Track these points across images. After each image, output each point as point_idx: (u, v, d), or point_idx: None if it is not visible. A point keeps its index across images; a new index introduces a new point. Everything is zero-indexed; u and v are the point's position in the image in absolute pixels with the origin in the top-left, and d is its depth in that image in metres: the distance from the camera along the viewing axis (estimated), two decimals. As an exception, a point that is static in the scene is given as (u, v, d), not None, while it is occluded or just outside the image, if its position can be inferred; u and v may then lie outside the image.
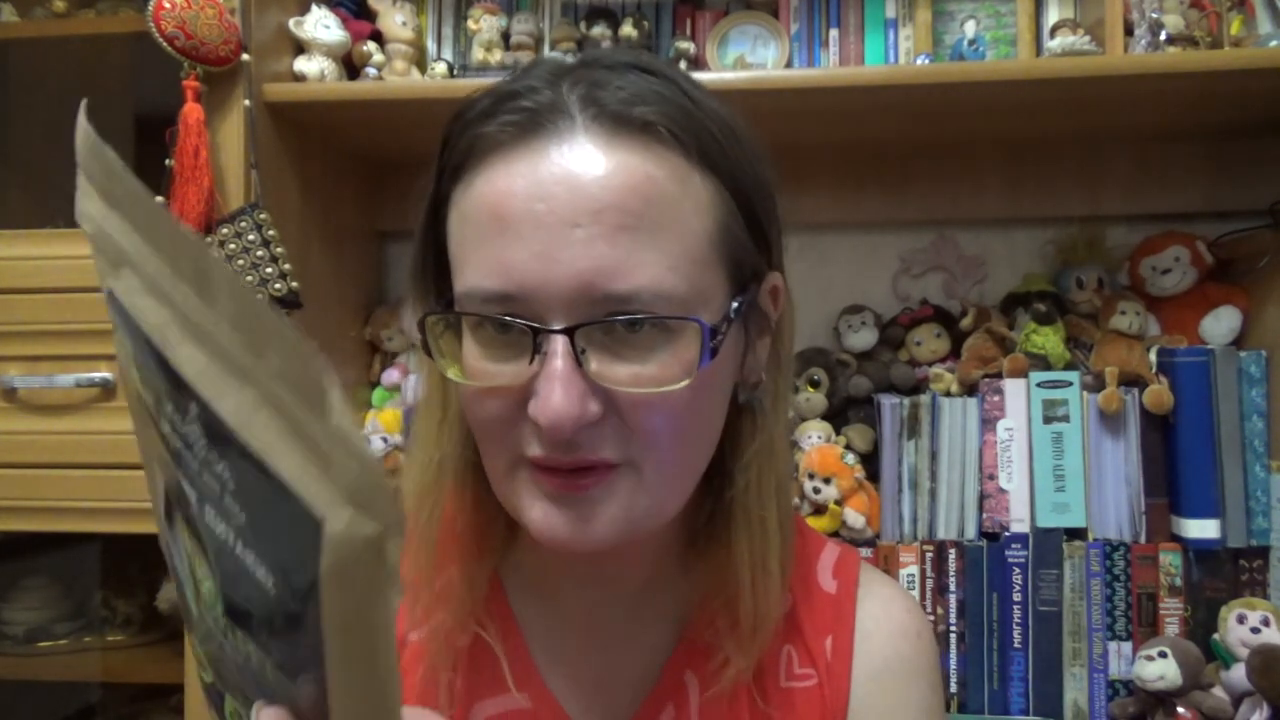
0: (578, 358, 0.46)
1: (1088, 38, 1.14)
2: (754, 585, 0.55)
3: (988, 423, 1.23)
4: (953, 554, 1.20)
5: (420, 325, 0.51)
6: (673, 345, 0.47)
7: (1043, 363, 1.24)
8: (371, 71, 1.22)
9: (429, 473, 0.55)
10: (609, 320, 0.46)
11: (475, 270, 0.48)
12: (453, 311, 0.50)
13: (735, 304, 0.50)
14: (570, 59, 0.52)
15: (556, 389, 0.45)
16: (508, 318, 0.47)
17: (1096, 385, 1.23)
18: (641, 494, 0.49)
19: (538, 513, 0.49)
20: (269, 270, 1.04)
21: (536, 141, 0.47)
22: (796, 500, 1.23)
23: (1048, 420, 1.22)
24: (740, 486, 0.55)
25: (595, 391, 0.46)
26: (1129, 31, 1.16)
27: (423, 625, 0.57)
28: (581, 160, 0.46)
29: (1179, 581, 1.18)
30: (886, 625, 0.61)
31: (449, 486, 0.56)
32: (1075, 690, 1.18)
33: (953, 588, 1.20)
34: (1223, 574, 1.18)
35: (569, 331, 0.46)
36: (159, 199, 1.04)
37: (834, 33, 1.29)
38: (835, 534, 1.23)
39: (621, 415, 0.47)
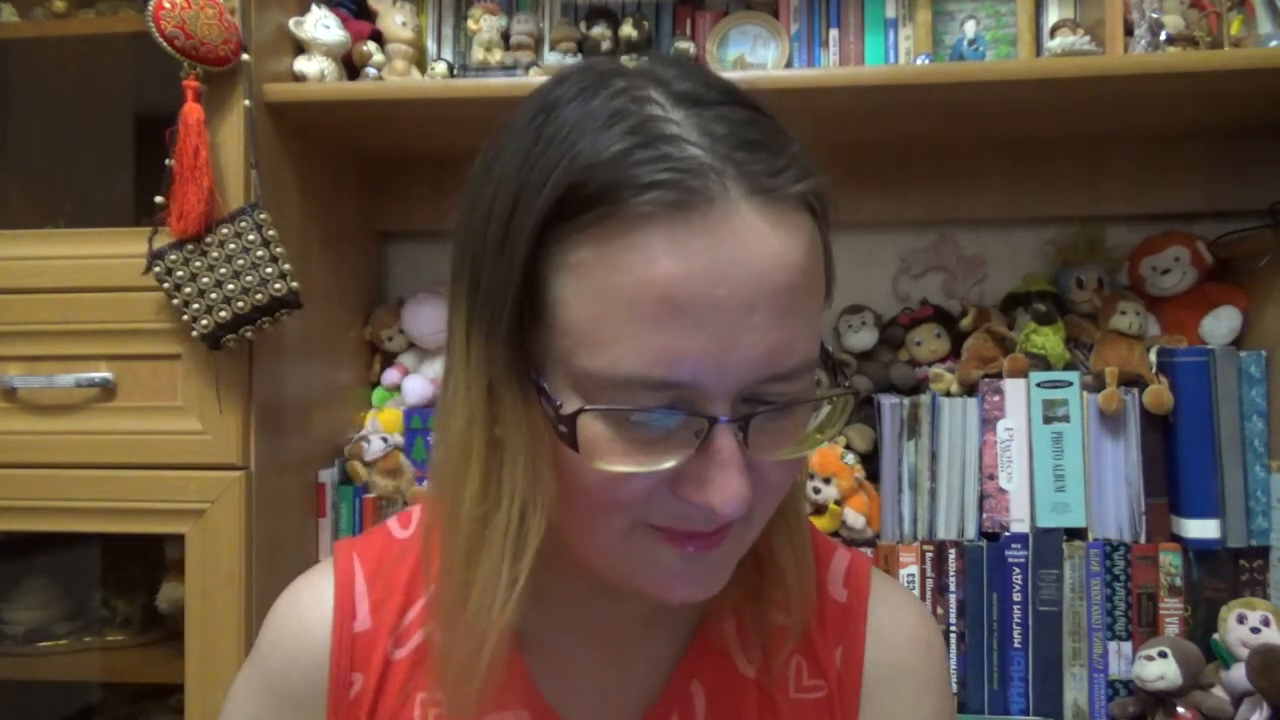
0: (743, 439, 0.45)
1: (1088, 38, 1.14)
2: (800, 579, 0.56)
3: (988, 423, 1.23)
4: (953, 554, 1.20)
5: (571, 419, 0.44)
6: (807, 408, 0.48)
7: (1043, 363, 1.24)
8: (371, 71, 1.22)
9: (472, 530, 0.49)
10: (774, 407, 0.45)
11: (637, 357, 0.43)
12: (622, 408, 0.44)
13: (827, 347, 0.51)
14: (633, 66, 0.48)
15: (735, 477, 0.44)
16: (678, 412, 0.44)
17: (1096, 385, 1.23)
18: (749, 535, 0.50)
19: (661, 576, 0.48)
20: (269, 270, 1.04)
21: (698, 211, 0.42)
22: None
23: (1048, 420, 1.22)
24: (788, 503, 0.55)
25: (750, 465, 0.46)
26: (1129, 31, 1.16)
27: (405, 643, 0.56)
28: (752, 238, 0.43)
29: (1179, 581, 1.18)
30: (897, 635, 0.61)
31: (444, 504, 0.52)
32: (1075, 690, 1.18)
33: (953, 588, 1.20)
34: (1223, 574, 1.18)
35: (742, 421, 0.44)
36: (158, 199, 1.04)
37: (834, 33, 1.29)
38: (835, 534, 1.23)
39: (761, 477, 0.47)
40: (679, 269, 0.42)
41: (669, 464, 0.44)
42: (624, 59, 0.50)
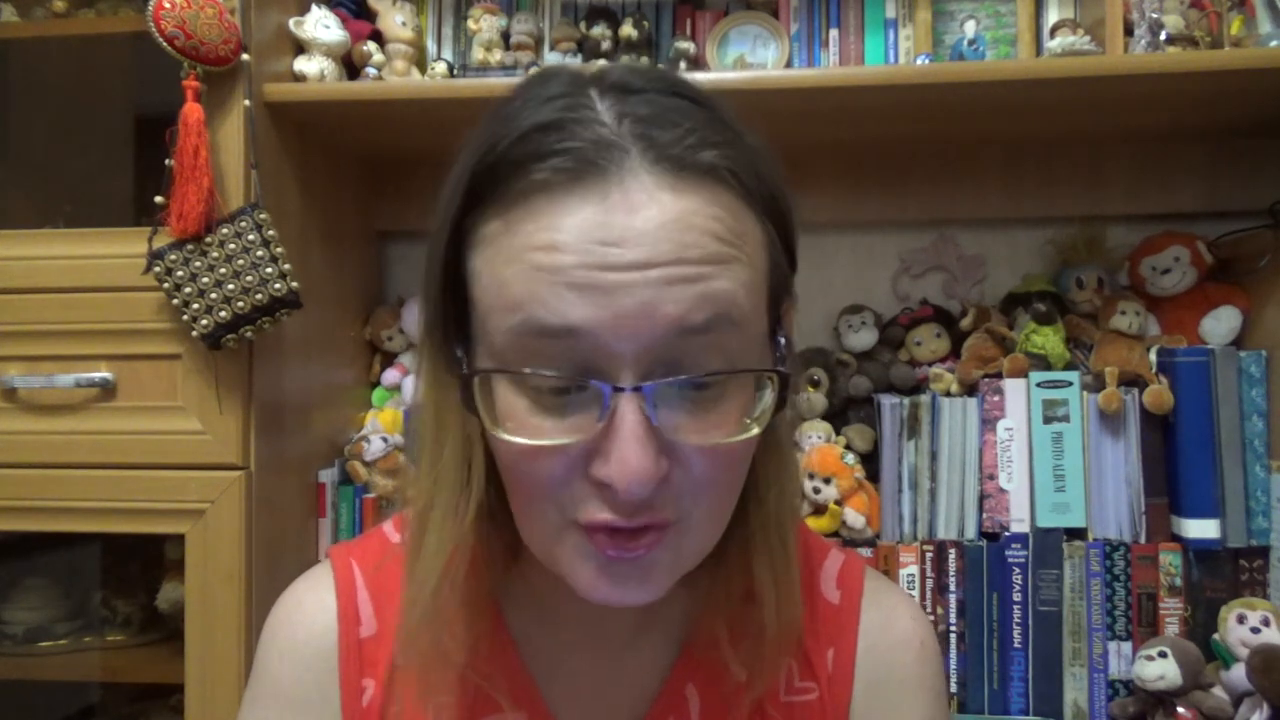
0: (650, 413, 0.43)
1: (1088, 38, 1.14)
2: (779, 602, 0.54)
3: (988, 423, 1.23)
4: (953, 554, 1.20)
5: (466, 381, 0.46)
6: (736, 393, 0.46)
7: (1043, 363, 1.24)
8: (371, 71, 1.22)
9: (446, 515, 0.52)
10: (684, 380, 0.44)
11: (534, 314, 0.44)
12: (514, 371, 0.45)
13: (782, 340, 0.50)
14: (591, 70, 0.49)
15: (635, 449, 0.43)
16: (577, 378, 0.44)
17: (1096, 385, 1.23)
18: (690, 541, 0.48)
19: (588, 575, 0.47)
20: (269, 270, 1.04)
21: (595, 185, 0.43)
22: (796, 500, 1.23)
23: (1048, 420, 1.22)
24: (767, 509, 0.54)
25: (664, 446, 0.44)
26: (1129, 31, 1.16)
27: (412, 648, 0.55)
28: (649, 202, 0.43)
29: (1179, 581, 1.18)
30: (889, 636, 0.60)
31: (455, 520, 0.52)
32: (1075, 690, 1.18)
33: (953, 588, 1.20)
34: (1223, 574, 1.18)
35: (645, 389, 0.43)
36: (158, 199, 1.04)
37: (834, 33, 1.29)
38: (835, 534, 1.23)
39: (685, 467, 0.45)
40: (573, 230, 0.43)
41: (575, 437, 0.44)
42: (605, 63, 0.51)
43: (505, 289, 0.45)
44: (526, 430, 0.45)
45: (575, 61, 1.26)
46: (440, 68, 1.24)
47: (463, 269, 0.48)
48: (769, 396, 0.47)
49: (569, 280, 0.43)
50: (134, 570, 1.30)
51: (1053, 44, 1.15)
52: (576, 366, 0.44)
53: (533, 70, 1.22)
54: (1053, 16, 1.24)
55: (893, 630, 0.61)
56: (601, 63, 1.26)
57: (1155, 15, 1.12)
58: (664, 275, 0.43)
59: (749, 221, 0.47)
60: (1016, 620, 1.19)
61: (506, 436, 0.45)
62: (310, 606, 0.60)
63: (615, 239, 0.43)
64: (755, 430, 0.46)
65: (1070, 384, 1.22)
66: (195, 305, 1.03)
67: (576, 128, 0.44)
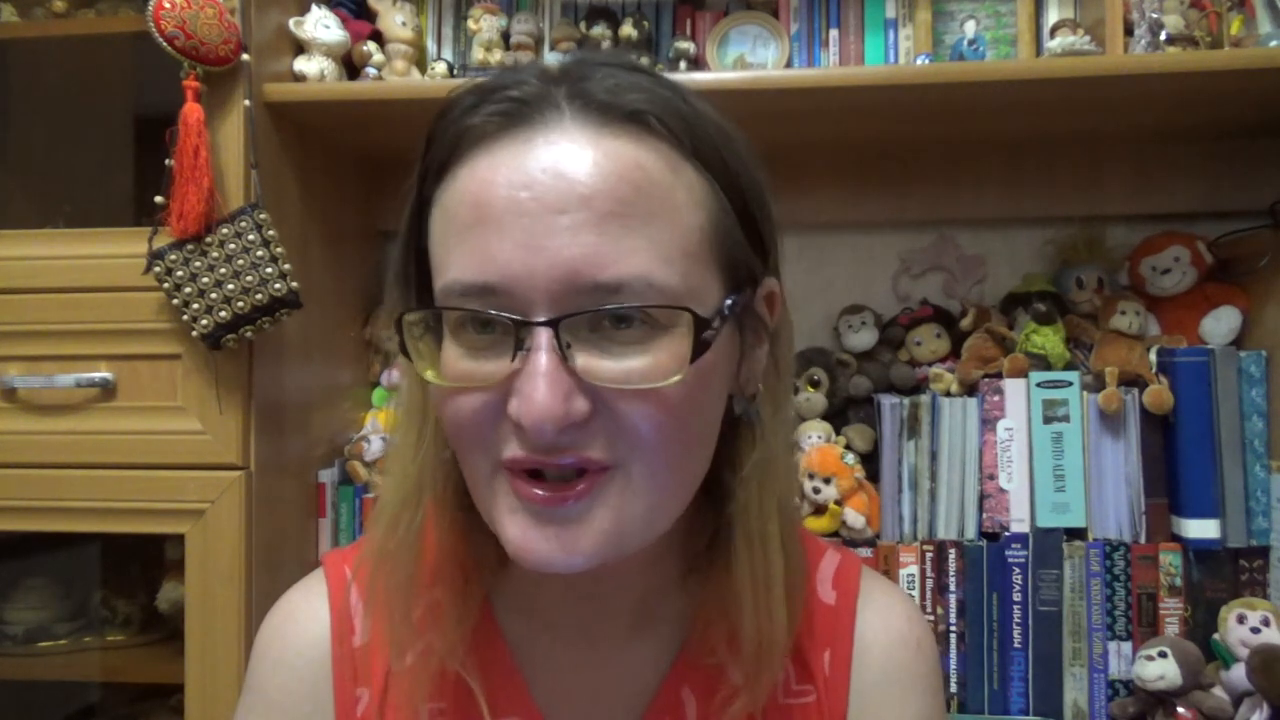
0: (563, 353, 0.43)
1: (1088, 38, 1.14)
2: (756, 608, 0.52)
3: (988, 423, 1.23)
4: (953, 554, 1.20)
5: (397, 325, 0.48)
6: (663, 339, 0.45)
7: (1043, 363, 1.24)
8: (371, 71, 1.22)
9: (407, 484, 0.53)
10: (595, 311, 0.44)
11: (456, 264, 0.46)
12: (430, 308, 0.48)
13: (729, 301, 0.48)
14: (558, 61, 0.51)
15: (540, 385, 0.43)
16: (489, 311, 0.44)
17: (1096, 385, 1.23)
18: (631, 499, 0.46)
19: (515, 529, 0.46)
20: (269, 270, 1.04)
21: (522, 132, 0.46)
22: (796, 500, 1.23)
23: (1048, 420, 1.22)
24: (740, 502, 0.52)
25: (582, 389, 0.44)
26: (1129, 31, 1.16)
27: (406, 653, 0.54)
28: (569, 148, 0.45)
29: (1179, 581, 1.17)
30: (885, 636, 0.60)
31: (430, 501, 0.53)
32: (1075, 690, 1.18)
33: (953, 588, 1.20)
34: (1223, 574, 1.18)
35: (553, 324, 0.43)
36: (158, 199, 1.04)
37: (834, 33, 1.29)
38: (835, 534, 1.23)
39: (611, 414, 0.45)
40: (489, 176, 0.45)
41: (493, 379, 0.45)
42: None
43: (443, 248, 0.47)
44: (453, 376, 0.47)
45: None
46: (440, 68, 1.24)
47: (424, 239, 0.50)
48: (685, 341, 0.45)
49: (485, 226, 0.44)
50: (134, 570, 1.30)
51: (1053, 44, 1.15)
52: (497, 307, 0.45)
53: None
54: (1053, 16, 1.24)
55: (888, 630, 0.60)
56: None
57: (1155, 15, 1.12)
58: (573, 222, 0.43)
59: (685, 172, 0.47)
60: (1016, 620, 1.19)
61: (434, 380, 0.48)
62: (303, 616, 0.59)
63: (529, 182, 0.44)
64: (675, 377, 0.45)
65: (1070, 384, 1.22)
66: (195, 305, 1.03)
67: (514, 86, 0.47)
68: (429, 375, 0.48)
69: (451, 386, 0.47)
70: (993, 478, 1.22)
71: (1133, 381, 1.23)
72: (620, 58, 0.51)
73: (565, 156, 0.44)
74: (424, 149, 0.50)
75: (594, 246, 0.43)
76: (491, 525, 0.49)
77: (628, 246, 0.44)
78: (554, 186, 0.44)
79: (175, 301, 1.04)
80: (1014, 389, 1.23)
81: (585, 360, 0.44)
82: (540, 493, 0.45)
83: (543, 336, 0.43)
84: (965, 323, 1.32)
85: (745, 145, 0.51)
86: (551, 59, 0.51)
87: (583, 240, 0.43)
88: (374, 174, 1.43)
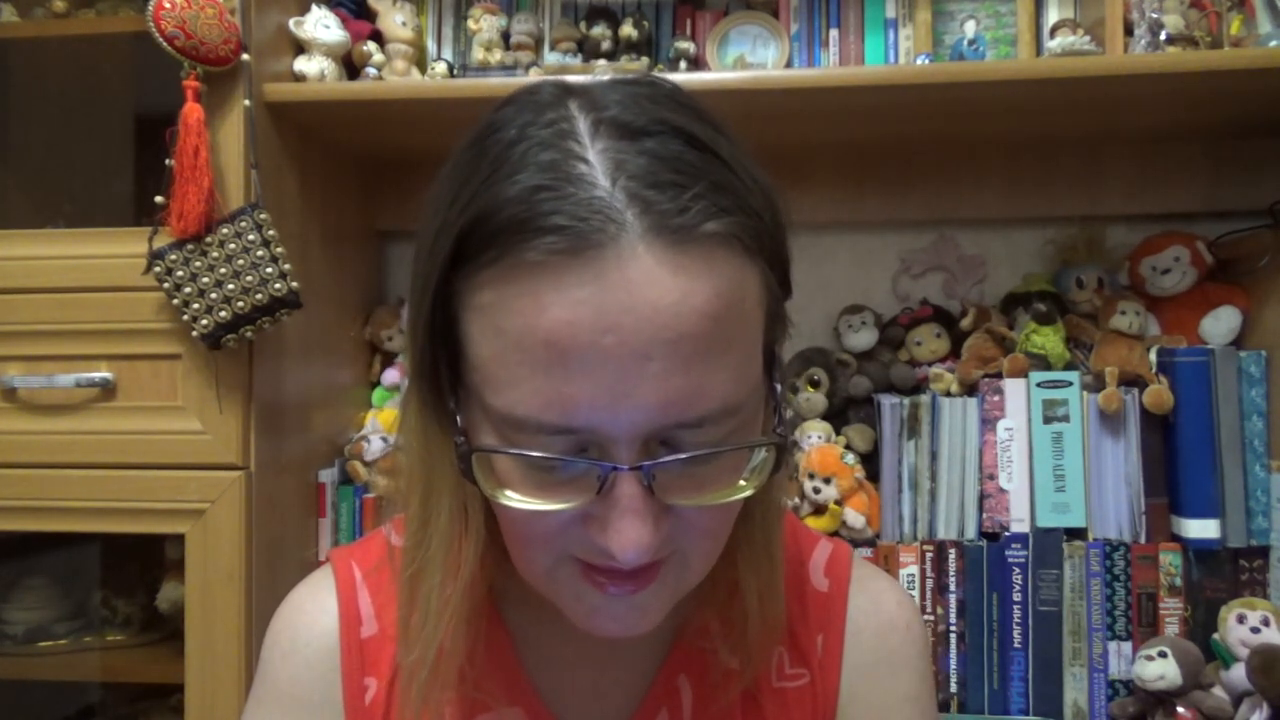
0: (649, 485, 0.44)
1: (1088, 38, 1.14)
2: (751, 593, 0.55)
3: (988, 423, 1.23)
4: (953, 554, 1.20)
5: (466, 456, 0.46)
6: (734, 454, 0.46)
7: (1043, 363, 1.24)
8: (371, 71, 1.22)
9: (428, 489, 0.52)
10: (689, 458, 0.44)
11: (528, 400, 0.43)
12: (514, 451, 0.45)
13: (777, 386, 0.49)
14: (585, 92, 0.46)
15: (634, 523, 0.43)
16: (581, 461, 0.44)
17: (1096, 385, 1.23)
18: (687, 576, 0.49)
19: (583, 610, 0.49)
20: (269, 270, 1.04)
21: (589, 256, 0.41)
22: (796, 500, 1.23)
23: (1048, 420, 1.22)
24: (754, 522, 0.54)
25: (664, 511, 0.45)
26: (1129, 31, 1.16)
27: (415, 647, 0.55)
28: (647, 284, 0.41)
29: (1179, 581, 1.18)
30: (875, 620, 0.62)
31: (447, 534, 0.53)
32: (1075, 690, 1.18)
33: (953, 588, 1.20)
34: (1223, 574, 1.18)
35: (643, 468, 0.43)
36: (158, 199, 1.04)
37: (834, 33, 1.29)
38: (835, 534, 1.23)
39: (680, 520, 0.46)
40: (565, 316, 0.41)
41: (571, 504, 0.44)
42: (581, 78, 0.49)
43: (503, 370, 0.44)
44: (525, 491, 0.45)
45: (575, 62, 1.26)
46: (440, 68, 1.24)
47: (453, 324, 0.47)
48: (763, 457, 0.47)
49: (566, 370, 0.42)
50: (134, 570, 1.30)
51: (1053, 44, 1.15)
52: (576, 444, 0.44)
53: (525, 79, 1.22)
54: (1053, 16, 1.24)
55: (879, 614, 0.62)
56: (601, 63, 1.26)
57: (1155, 15, 1.12)
58: (661, 369, 0.42)
59: (751, 279, 0.45)
60: (1016, 620, 1.19)
61: (507, 503, 0.46)
62: (311, 609, 0.61)
63: (611, 325, 0.41)
64: (749, 491, 0.47)
65: (1070, 384, 1.22)
66: (195, 305, 1.03)
67: (571, 189, 0.42)
68: (503, 500, 0.46)
69: (532, 510, 0.45)
70: (993, 478, 1.22)
71: (1133, 381, 1.23)
72: (650, 105, 0.45)
73: (645, 294, 0.41)
74: (454, 232, 0.45)
75: (680, 390, 0.42)
76: (550, 595, 0.50)
77: (711, 381, 0.43)
78: (638, 330, 0.41)
79: (175, 301, 1.04)
80: (1014, 389, 1.23)
81: (663, 484, 0.44)
82: (614, 589, 0.47)
83: (631, 476, 0.43)
84: (965, 323, 1.32)
85: (771, 187, 0.49)
86: (549, 86, 0.48)
87: (671, 385, 0.42)
88: (374, 174, 1.43)
